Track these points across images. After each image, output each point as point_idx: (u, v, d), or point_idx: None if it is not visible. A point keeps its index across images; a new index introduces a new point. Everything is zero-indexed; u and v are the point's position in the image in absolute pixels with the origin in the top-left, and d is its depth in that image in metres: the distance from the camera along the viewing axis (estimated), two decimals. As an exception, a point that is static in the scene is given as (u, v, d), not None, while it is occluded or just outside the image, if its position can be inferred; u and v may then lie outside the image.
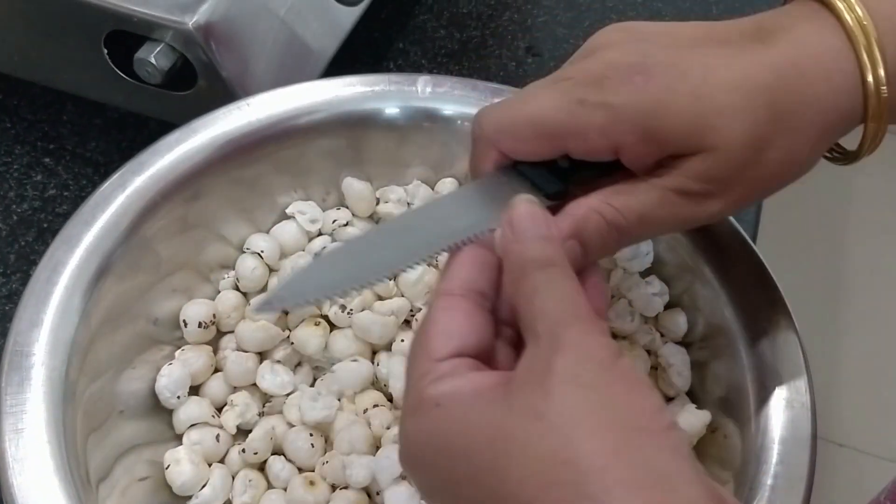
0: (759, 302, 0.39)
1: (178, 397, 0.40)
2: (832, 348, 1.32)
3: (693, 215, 0.32)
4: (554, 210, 0.31)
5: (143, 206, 0.40)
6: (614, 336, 0.42)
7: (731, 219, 0.41)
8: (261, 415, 0.41)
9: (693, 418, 0.38)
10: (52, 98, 0.53)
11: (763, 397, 0.36)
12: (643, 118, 0.31)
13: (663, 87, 0.31)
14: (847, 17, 0.31)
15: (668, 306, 0.43)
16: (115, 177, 0.40)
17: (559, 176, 0.33)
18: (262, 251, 0.44)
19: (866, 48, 0.31)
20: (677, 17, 0.64)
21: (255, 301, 0.42)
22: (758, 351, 0.38)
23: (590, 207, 0.31)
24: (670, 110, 0.31)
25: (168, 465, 0.38)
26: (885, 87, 0.31)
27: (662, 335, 0.42)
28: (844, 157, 0.35)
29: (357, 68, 0.54)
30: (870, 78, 0.31)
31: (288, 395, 0.41)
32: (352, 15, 0.54)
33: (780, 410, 0.35)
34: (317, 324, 0.42)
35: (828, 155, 0.35)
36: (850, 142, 0.35)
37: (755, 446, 0.34)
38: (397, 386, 0.40)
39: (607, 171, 0.32)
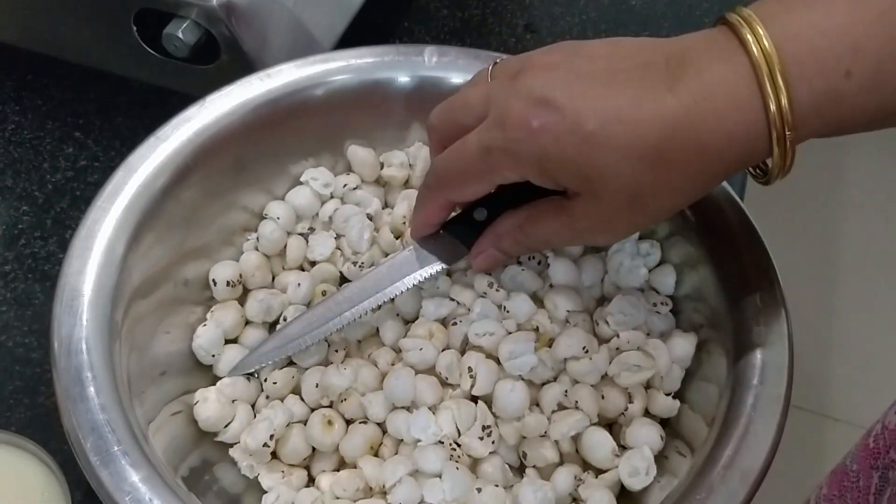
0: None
1: (214, 355, 0.43)
2: (822, 326, 1.35)
3: (589, 241, 0.42)
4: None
5: (175, 168, 0.44)
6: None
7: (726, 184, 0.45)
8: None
9: (684, 342, 0.42)
10: (79, 78, 0.57)
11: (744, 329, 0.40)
12: (538, 161, 0.35)
13: (552, 139, 0.34)
14: (754, 49, 0.32)
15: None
16: (148, 141, 0.44)
17: (476, 228, 0.42)
18: (278, 217, 0.47)
19: (769, 77, 0.32)
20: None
21: (230, 370, 0.44)
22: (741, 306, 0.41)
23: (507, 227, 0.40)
24: (559, 159, 0.34)
25: (197, 402, 0.42)
26: (789, 115, 0.32)
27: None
28: (764, 175, 0.37)
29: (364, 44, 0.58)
30: (772, 107, 0.32)
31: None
32: (360, -5, 0.58)
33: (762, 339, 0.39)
34: (324, 293, 0.46)
35: (750, 171, 0.37)
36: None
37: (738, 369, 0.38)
38: (388, 335, 0.44)
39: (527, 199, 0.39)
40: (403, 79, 0.49)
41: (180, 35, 0.47)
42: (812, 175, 1.49)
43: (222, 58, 0.49)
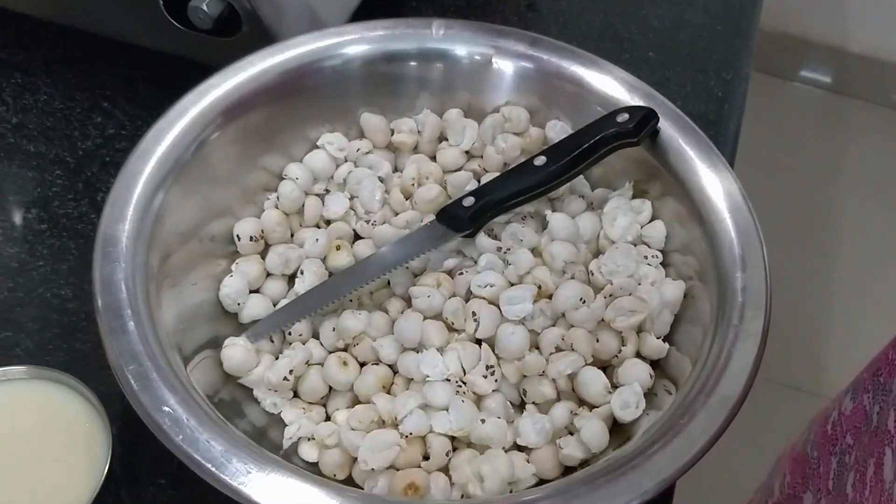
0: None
1: (239, 304, 0.47)
2: (819, 309, 1.39)
3: None
4: None
5: (201, 130, 0.47)
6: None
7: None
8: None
9: (674, 287, 0.45)
10: (105, 51, 0.60)
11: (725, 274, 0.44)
12: None
13: None
14: None
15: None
16: (176, 106, 0.48)
17: (469, 218, 0.46)
18: (297, 177, 0.51)
19: None
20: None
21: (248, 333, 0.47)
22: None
23: None
24: None
25: (225, 347, 0.45)
26: None
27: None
28: None
29: (382, 9, 0.61)
30: None
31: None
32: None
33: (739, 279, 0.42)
34: (338, 248, 0.49)
35: None
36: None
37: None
38: (398, 287, 0.47)
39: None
40: (412, 50, 0.53)
41: (205, 8, 0.51)
42: (810, 158, 1.53)
43: (243, 30, 0.53)
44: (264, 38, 0.53)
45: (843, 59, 1.58)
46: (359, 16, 0.59)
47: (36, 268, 0.51)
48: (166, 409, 0.37)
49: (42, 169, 0.55)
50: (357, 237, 0.51)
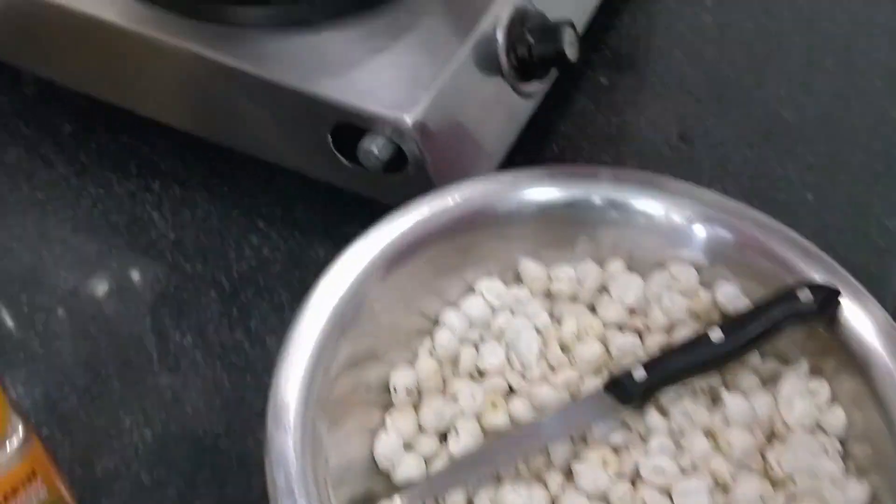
0: None
1: (393, 463, 0.46)
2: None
3: None
4: None
5: (369, 279, 0.47)
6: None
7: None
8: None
9: (858, 490, 0.42)
10: (262, 170, 0.61)
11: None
12: None
13: None
14: None
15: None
16: (344, 254, 0.47)
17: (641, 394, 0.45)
18: (454, 325, 0.50)
19: None
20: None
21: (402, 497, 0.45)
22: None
23: None
24: None
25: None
26: None
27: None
28: None
29: (523, 147, 0.61)
30: None
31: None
32: (528, 106, 0.61)
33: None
34: (494, 405, 0.48)
35: None
36: None
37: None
38: (558, 456, 0.45)
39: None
40: (578, 198, 0.51)
41: (376, 151, 0.51)
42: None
43: (408, 170, 0.53)
44: (425, 177, 0.53)
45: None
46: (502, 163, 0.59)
47: (189, 400, 0.51)
48: None
49: (199, 291, 0.56)
50: (512, 391, 0.49)
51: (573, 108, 0.68)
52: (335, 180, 0.56)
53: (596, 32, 0.71)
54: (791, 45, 0.74)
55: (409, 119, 0.50)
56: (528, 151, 0.63)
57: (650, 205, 0.51)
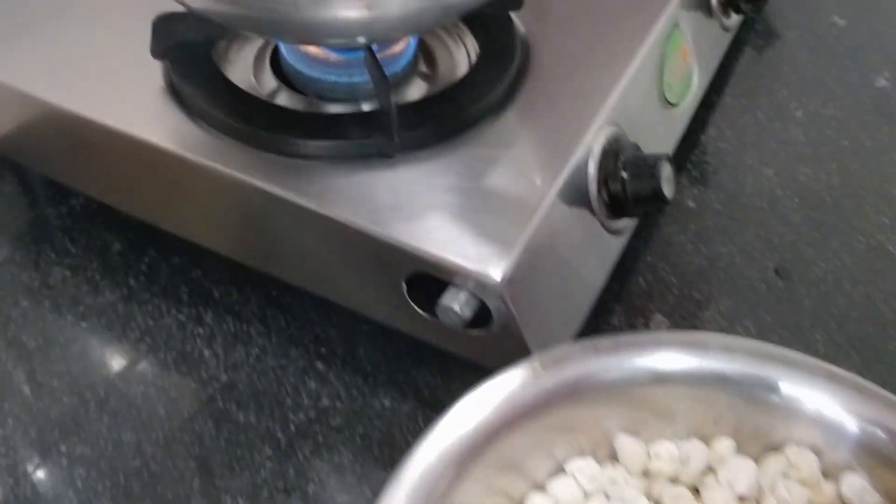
0: None
1: None
2: None
3: None
4: None
5: (453, 462, 0.41)
6: None
7: None
8: None
9: None
10: (322, 302, 0.56)
11: None
12: None
13: None
14: None
15: None
16: (426, 441, 0.42)
17: None
18: (540, 509, 0.44)
19: None
20: None
21: None
22: None
23: None
24: None
25: None
26: None
27: None
28: None
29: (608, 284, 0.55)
30: None
31: None
32: (619, 244, 0.55)
33: None
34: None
35: None
36: None
37: None
38: None
39: None
40: (685, 370, 0.46)
41: (457, 308, 0.46)
42: None
43: (492, 328, 0.47)
44: (510, 334, 0.48)
45: None
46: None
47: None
48: None
49: (251, 445, 0.50)
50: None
51: (659, 234, 0.63)
52: (408, 329, 0.51)
53: (679, 147, 0.66)
54: (892, 165, 0.68)
55: (496, 275, 0.45)
56: (612, 289, 0.57)
57: (760, 376, 0.45)
